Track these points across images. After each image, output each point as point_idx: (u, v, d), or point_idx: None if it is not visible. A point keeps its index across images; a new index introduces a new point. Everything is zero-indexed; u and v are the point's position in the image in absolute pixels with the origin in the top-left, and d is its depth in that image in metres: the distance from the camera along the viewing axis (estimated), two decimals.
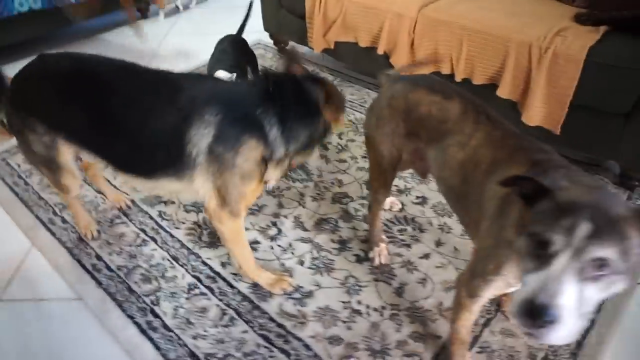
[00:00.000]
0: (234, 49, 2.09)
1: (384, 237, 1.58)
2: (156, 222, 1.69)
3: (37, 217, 1.72)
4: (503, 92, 1.86)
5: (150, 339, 1.31)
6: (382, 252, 1.52)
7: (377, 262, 1.52)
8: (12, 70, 1.35)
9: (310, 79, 1.30)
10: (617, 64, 1.59)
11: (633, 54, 1.59)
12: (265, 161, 1.24)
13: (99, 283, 1.46)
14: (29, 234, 1.65)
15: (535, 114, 1.80)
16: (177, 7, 3.66)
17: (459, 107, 1.10)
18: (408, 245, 1.59)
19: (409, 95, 1.20)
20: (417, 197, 1.78)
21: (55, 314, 1.40)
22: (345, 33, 2.35)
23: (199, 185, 1.23)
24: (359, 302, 1.40)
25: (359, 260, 1.54)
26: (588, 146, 1.84)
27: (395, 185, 1.82)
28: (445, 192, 1.18)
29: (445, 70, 2.01)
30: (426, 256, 1.55)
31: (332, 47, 2.46)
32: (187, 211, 1.74)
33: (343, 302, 1.41)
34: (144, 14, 3.50)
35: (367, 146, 1.38)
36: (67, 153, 1.35)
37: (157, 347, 1.29)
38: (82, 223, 1.63)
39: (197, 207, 1.75)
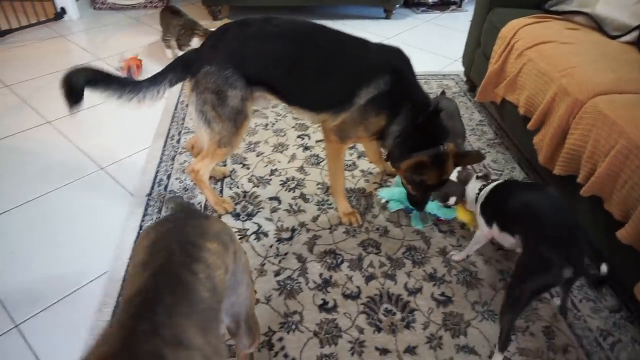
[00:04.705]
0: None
1: None
2: None
3: None
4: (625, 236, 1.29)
5: None
6: None
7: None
8: None
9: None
10: None
11: None
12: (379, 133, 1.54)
13: None
14: None
15: None
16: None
17: None
18: None
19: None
20: None
21: None
22: (511, 92, 2.00)
23: (339, 119, 1.52)
24: None
25: None
26: None
27: None
28: None
29: (581, 178, 1.51)
30: None
31: (497, 102, 2.14)
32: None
33: None
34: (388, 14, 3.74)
35: None
36: (252, 105, 1.52)
37: None
38: (216, 200, 1.72)
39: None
